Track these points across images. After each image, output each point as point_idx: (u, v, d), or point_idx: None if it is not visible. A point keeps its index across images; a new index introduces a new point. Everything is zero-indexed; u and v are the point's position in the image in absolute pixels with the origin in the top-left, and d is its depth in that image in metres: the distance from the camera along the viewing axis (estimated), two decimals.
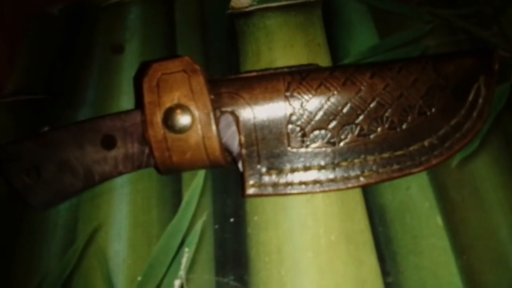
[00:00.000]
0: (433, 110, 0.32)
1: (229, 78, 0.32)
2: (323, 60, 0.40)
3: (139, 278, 0.30)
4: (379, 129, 0.32)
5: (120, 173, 0.32)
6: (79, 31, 0.46)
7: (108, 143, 0.31)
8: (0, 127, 0.40)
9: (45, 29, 0.47)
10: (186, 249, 0.31)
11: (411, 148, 0.32)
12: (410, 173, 0.32)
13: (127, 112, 0.32)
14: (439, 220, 0.31)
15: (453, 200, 0.32)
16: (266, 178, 0.32)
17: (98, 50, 0.44)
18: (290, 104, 0.31)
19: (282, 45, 0.42)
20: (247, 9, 0.45)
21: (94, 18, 0.46)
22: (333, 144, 0.32)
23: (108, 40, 0.45)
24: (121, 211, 0.33)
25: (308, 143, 0.32)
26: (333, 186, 0.32)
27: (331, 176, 0.32)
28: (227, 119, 0.31)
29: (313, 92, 0.31)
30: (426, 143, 0.32)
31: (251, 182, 0.32)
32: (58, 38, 0.46)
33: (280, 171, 0.32)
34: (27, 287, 0.31)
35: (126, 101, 0.40)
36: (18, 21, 0.47)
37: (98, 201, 0.34)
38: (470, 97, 0.32)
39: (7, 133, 0.39)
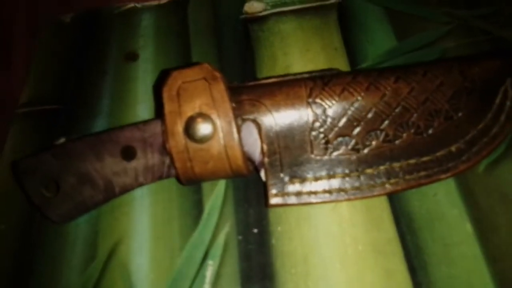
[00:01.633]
0: (460, 114, 0.31)
1: (250, 85, 0.32)
2: (341, 64, 0.40)
3: None
4: (404, 134, 0.31)
5: (141, 185, 0.32)
6: (92, 39, 0.45)
7: (128, 154, 0.31)
8: (15, 138, 0.39)
9: (58, 38, 0.46)
10: (210, 262, 0.30)
11: (438, 154, 0.31)
12: (438, 180, 0.31)
13: (146, 122, 0.32)
14: (468, 227, 0.30)
15: (481, 206, 0.31)
16: (289, 187, 0.31)
17: (111, 58, 0.44)
18: (313, 111, 0.31)
19: (298, 50, 0.41)
20: (261, 14, 0.45)
21: (107, 26, 0.46)
22: (358, 151, 0.31)
23: (122, 47, 0.44)
24: (142, 223, 0.33)
25: (331, 150, 0.31)
26: (358, 194, 0.31)
27: (356, 184, 0.31)
28: (248, 127, 0.31)
29: (336, 98, 0.31)
30: (453, 148, 0.31)
31: (274, 191, 0.31)
32: (71, 46, 0.45)
33: (303, 180, 0.31)
34: None
35: (142, 110, 0.39)
36: (30, 31, 0.47)
37: (118, 213, 0.33)
38: (497, 100, 0.31)
39: (23, 143, 0.39)
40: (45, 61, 0.44)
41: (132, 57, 0.43)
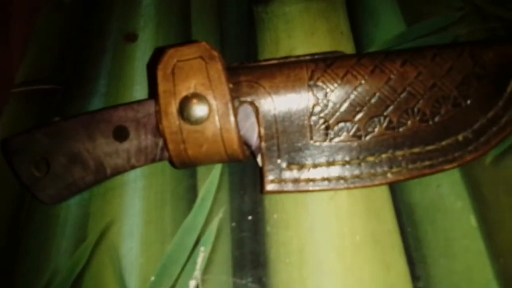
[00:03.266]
0: (469, 101, 0.30)
1: (249, 66, 0.30)
2: (347, 49, 0.38)
3: (152, 278, 0.29)
4: (409, 121, 0.29)
5: (133, 167, 0.31)
6: (91, 19, 0.44)
7: (120, 134, 0.30)
8: (11, 118, 0.39)
9: (57, 17, 0.45)
10: (202, 248, 0.29)
11: (443, 143, 0.29)
12: (442, 170, 0.29)
13: (140, 101, 0.31)
14: (472, 220, 0.29)
15: (487, 199, 0.30)
16: (286, 174, 0.30)
17: (110, 39, 0.43)
18: (314, 94, 0.29)
19: (303, 33, 0.40)
20: None
21: (106, 5, 0.45)
22: (359, 137, 0.30)
23: (121, 28, 0.43)
24: (134, 207, 0.32)
25: (332, 136, 0.30)
26: (359, 183, 0.30)
27: (357, 172, 0.30)
28: (246, 109, 0.30)
29: (339, 81, 0.29)
30: (460, 137, 0.29)
31: (270, 177, 0.30)
32: (70, 26, 0.44)
33: (301, 166, 0.30)
34: (36, 285, 0.29)
35: (140, 91, 0.38)
36: (29, 10, 0.46)
37: (110, 196, 0.32)
38: (509, 88, 0.30)
39: (18, 123, 0.38)
40: (43, 41, 0.44)
41: (132, 37, 0.42)
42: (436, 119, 0.29)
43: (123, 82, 0.39)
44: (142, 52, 0.41)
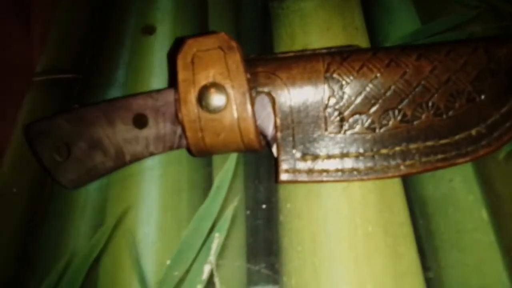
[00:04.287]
0: (483, 96, 0.30)
1: (266, 57, 0.31)
2: (362, 44, 0.39)
3: (168, 262, 0.29)
4: (423, 115, 0.30)
5: (151, 154, 0.32)
6: (111, 11, 0.45)
7: (140, 122, 0.31)
8: (31, 106, 0.39)
9: (77, 8, 0.46)
10: (217, 234, 0.30)
11: (457, 137, 0.30)
12: (455, 164, 0.30)
13: (159, 90, 0.31)
14: (484, 214, 0.29)
15: (499, 193, 0.30)
16: (301, 164, 0.30)
17: (129, 31, 0.43)
18: (330, 86, 0.30)
19: (318, 29, 0.41)
20: None
21: None
22: (374, 130, 0.30)
23: (140, 20, 0.44)
24: (151, 193, 0.32)
25: (346, 128, 0.30)
26: (372, 175, 0.30)
27: (370, 164, 0.30)
28: (262, 100, 0.30)
29: (355, 74, 0.30)
30: (473, 132, 0.30)
31: (285, 167, 0.30)
32: (89, 18, 0.45)
33: (315, 157, 0.30)
34: (55, 267, 0.30)
35: (157, 83, 0.39)
36: (49, 1, 0.47)
37: (128, 183, 0.33)
38: None
39: (39, 111, 0.39)
40: (63, 31, 0.44)
41: (150, 30, 0.43)
42: (450, 113, 0.30)
43: (141, 74, 0.40)
44: (160, 45, 0.41)
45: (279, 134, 0.30)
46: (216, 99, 0.29)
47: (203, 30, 0.42)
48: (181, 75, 0.29)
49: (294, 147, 0.30)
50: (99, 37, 0.43)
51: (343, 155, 0.30)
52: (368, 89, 0.30)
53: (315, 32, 0.40)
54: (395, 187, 0.31)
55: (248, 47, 0.40)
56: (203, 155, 0.31)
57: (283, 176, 0.30)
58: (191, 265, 0.29)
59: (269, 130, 0.31)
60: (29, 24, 0.45)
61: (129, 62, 0.41)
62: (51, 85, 0.40)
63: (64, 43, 0.43)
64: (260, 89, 0.30)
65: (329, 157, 0.30)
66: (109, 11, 0.45)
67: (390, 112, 0.30)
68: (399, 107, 0.30)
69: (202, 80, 0.29)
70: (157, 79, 0.39)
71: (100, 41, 0.43)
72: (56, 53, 0.43)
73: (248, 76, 0.29)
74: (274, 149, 0.31)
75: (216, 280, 0.29)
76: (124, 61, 0.41)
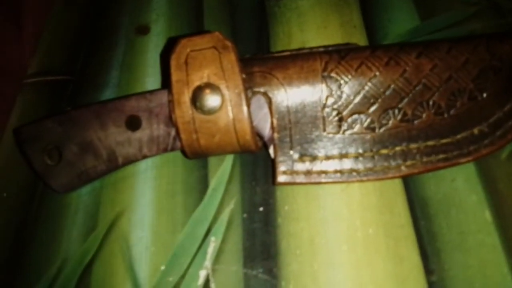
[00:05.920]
0: (485, 94, 0.29)
1: (262, 57, 0.30)
2: (360, 42, 0.38)
3: (162, 267, 0.29)
4: (424, 114, 0.29)
5: (145, 156, 0.31)
6: (104, 12, 0.44)
7: (133, 124, 0.30)
8: (23, 108, 0.39)
9: (70, 9, 0.45)
10: (213, 238, 0.29)
11: (459, 136, 0.29)
12: (457, 163, 0.29)
13: (152, 91, 0.31)
14: (487, 215, 0.29)
15: (502, 194, 0.29)
16: (298, 165, 0.30)
17: (123, 31, 0.43)
18: (327, 86, 0.29)
19: (315, 27, 0.40)
20: None
21: None
22: (373, 130, 0.29)
23: (134, 20, 0.43)
24: (145, 196, 0.32)
25: (345, 128, 0.29)
26: (372, 176, 0.29)
27: (370, 164, 0.29)
28: (259, 100, 0.29)
29: (353, 73, 0.29)
30: (475, 131, 0.29)
31: (282, 168, 0.30)
32: (83, 18, 0.44)
33: (314, 158, 0.30)
34: (47, 273, 0.29)
35: (151, 83, 0.38)
36: (43, 1, 0.46)
37: (121, 186, 0.32)
38: None
39: (30, 113, 0.38)
40: (55, 32, 0.44)
41: (143, 30, 0.42)
42: (452, 112, 0.29)
43: (135, 75, 0.39)
44: (154, 45, 0.41)
45: (276, 135, 0.29)
46: (211, 100, 0.28)
47: (198, 30, 0.42)
48: (175, 76, 0.28)
49: (291, 148, 0.30)
50: (92, 38, 0.43)
51: (342, 156, 0.30)
52: (367, 88, 0.29)
53: (313, 30, 0.40)
54: (395, 187, 0.30)
55: (244, 46, 0.40)
56: (198, 157, 0.31)
57: (281, 178, 0.30)
58: (186, 270, 0.28)
59: (266, 131, 0.30)
60: (22, 25, 0.44)
61: (123, 63, 0.40)
62: (43, 87, 0.40)
63: (57, 45, 0.43)
64: (256, 89, 0.29)
65: (327, 158, 0.30)
66: (102, 11, 0.45)
67: (390, 112, 0.29)
68: (399, 106, 0.29)
69: (196, 81, 0.28)
70: (152, 80, 0.39)
71: (93, 42, 0.42)
72: (48, 54, 0.42)
73: (244, 76, 0.29)
74: (271, 150, 0.30)
75: (212, 285, 0.28)
76: (117, 62, 0.40)
